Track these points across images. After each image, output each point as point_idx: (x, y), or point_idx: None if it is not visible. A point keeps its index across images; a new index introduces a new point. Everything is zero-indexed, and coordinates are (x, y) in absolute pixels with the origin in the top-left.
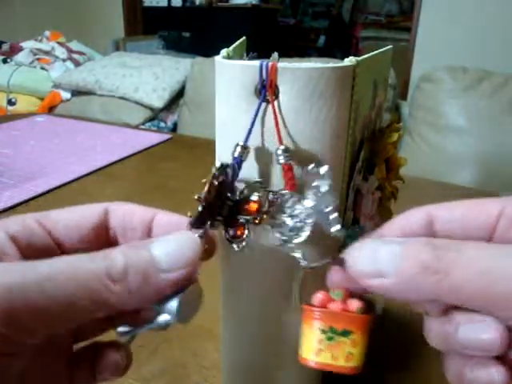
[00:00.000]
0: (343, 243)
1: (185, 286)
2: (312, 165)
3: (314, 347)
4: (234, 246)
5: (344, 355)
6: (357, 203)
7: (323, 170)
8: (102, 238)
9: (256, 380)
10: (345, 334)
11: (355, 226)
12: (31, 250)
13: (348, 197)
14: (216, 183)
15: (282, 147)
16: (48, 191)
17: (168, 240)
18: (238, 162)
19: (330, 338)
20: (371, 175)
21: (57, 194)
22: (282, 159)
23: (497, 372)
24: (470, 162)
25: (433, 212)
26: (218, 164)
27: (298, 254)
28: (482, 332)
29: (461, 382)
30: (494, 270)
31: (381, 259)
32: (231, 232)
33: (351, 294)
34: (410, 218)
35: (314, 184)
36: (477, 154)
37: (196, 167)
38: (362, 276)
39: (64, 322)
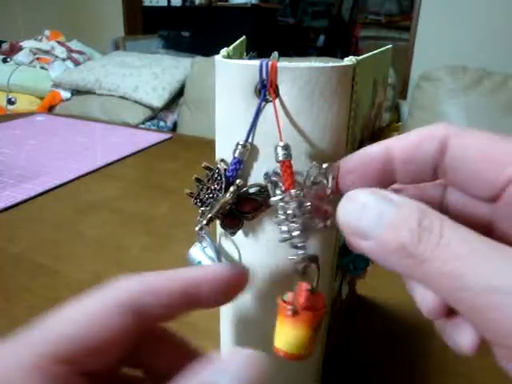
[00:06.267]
0: (343, 244)
1: None
2: (325, 164)
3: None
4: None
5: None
6: None
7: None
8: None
9: None
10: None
11: None
12: None
13: None
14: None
15: (282, 144)
16: (47, 190)
17: (231, 369)
18: (238, 161)
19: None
20: None
21: (56, 193)
22: (280, 156)
23: (468, 340)
24: None
25: (450, 142)
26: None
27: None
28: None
29: (443, 335)
30: (467, 277)
31: (366, 219)
32: (227, 223)
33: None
34: (420, 142)
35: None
36: None
37: (196, 167)
38: (348, 232)
39: None
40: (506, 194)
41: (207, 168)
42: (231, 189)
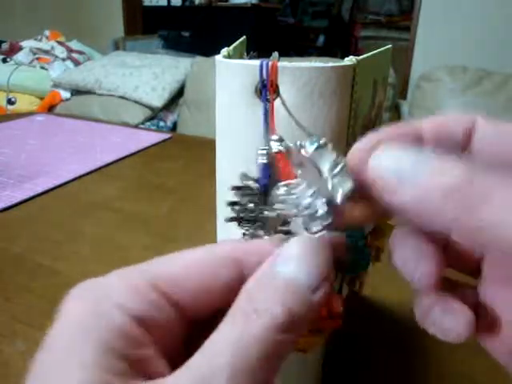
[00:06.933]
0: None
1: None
2: (298, 142)
3: None
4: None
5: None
6: None
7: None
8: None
9: None
10: None
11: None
12: (158, 332)
13: None
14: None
15: (276, 136)
16: (47, 190)
17: (292, 255)
18: (265, 166)
19: None
20: None
21: (56, 193)
22: (275, 148)
23: (464, 323)
24: None
25: (478, 125)
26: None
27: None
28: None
29: (426, 321)
30: None
31: (405, 167)
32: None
33: None
34: (448, 124)
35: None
36: None
37: (196, 167)
38: (382, 188)
39: None
40: None
41: (237, 188)
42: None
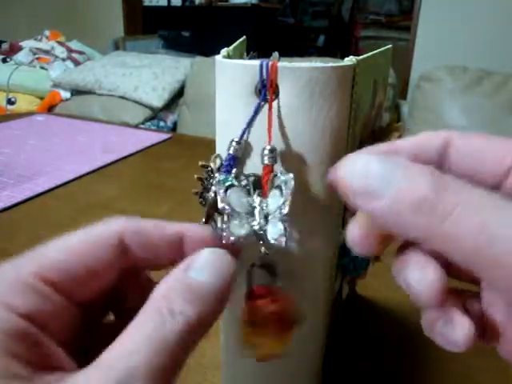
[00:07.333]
0: (343, 244)
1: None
2: (279, 171)
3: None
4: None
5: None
6: None
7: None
8: (123, 272)
9: (256, 378)
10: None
11: None
12: (51, 324)
13: None
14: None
15: (269, 147)
16: (47, 191)
17: (203, 264)
18: (232, 157)
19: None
20: None
21: (56, 193)
22: (266, 160)
23: (462, 335)
24: None
25: (453, 140)
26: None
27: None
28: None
29: (432, 332)
30: (494, 227)
31: (374, 177)
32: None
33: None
34: (425, 141)
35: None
36: None
37: (196, 166)
38: (355, 194)
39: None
40: (508, 182)
41: (204, 166)
42: (213, 188)
